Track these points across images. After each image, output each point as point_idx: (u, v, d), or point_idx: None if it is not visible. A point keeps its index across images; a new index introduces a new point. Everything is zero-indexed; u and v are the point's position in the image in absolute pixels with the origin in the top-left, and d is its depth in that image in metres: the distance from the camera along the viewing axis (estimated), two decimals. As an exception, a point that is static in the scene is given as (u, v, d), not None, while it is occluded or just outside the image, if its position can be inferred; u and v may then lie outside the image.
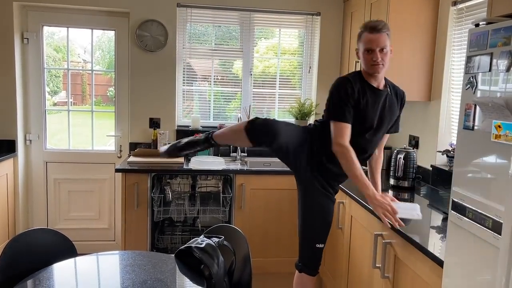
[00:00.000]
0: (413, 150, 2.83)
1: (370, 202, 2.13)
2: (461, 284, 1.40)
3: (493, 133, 1.25)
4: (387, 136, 2.46)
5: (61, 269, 1.86)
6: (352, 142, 2.17)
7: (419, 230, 1.99)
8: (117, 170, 3.19)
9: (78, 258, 1.99)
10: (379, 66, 2.13)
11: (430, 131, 2.97)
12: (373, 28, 2.13)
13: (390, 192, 2.74)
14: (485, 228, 1.25)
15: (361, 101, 2.16)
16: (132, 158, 3.41)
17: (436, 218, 2.21)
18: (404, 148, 2.85)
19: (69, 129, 3.84)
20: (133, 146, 3.73)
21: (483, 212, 1.27)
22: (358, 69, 2.26)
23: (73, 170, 3.81)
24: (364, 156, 2.33)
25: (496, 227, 1.20)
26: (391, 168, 2.87)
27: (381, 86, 2.24)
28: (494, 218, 1.21)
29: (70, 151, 3.83)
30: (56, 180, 3.80)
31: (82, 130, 3.93)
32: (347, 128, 2.16)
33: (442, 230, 2.00)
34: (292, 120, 3.90)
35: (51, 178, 3.80)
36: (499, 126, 1.22)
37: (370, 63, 2.14)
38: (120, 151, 3.84)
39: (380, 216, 2.08)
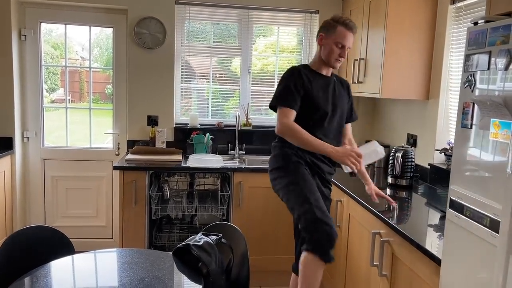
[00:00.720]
0: (411, 149, 2.83)
1: (334, 156, 2.17)
2: (458, 282, 1.40)
3: (491, 132, 1.25)
4: (349, 126, 2.53)
5: (59, 267, 1.86)
6: (313, 135, 2.20)
7: (417, 228, 1.99)
8: (115, 168, 3.18)
9: (75, 256, 1.99)
10: (340, 62, 2.29)
11: (428, 129, 2.97)
12: (351, 26, 2.24)
13: (388, 191, 2.74)
14: (482, 227, 1.25)
15: (311, 87, 2.24)
16: (130, 156, 3.41)
17: (434, 217, 2.22)
18: (402, 147, 2.85)
19: (66, 127, 3.83)
20: (131, 144, 3.73)
21: (480, 211, 1.27)
22: (323, 60, 2.33)
23: (71, 167, 3.80)
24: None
25: (494, 226, 1.20)
26: (389, 167, 2.87)
27: (329, 74, 2.39)
28: (492, 216, 1.22)
29: (68, 149, 3.82)
30: (54, 178, 3.79)
31: (80, 127, 3.92)
32: (291, 113, 2.21)
33: (440, 228, 2.00)
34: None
35: (48, 176, 3.79)
36: (497, 125, 1.22)
37: (335, 57, 2.26)
38: (118, 148, 3.83)
39: (348, 165, 2.15)
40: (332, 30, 2.24)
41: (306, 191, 2.16)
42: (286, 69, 2.34)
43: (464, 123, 1.40)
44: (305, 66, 2.35)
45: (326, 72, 2.35)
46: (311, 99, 2.24)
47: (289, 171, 2.24)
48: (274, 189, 2.36)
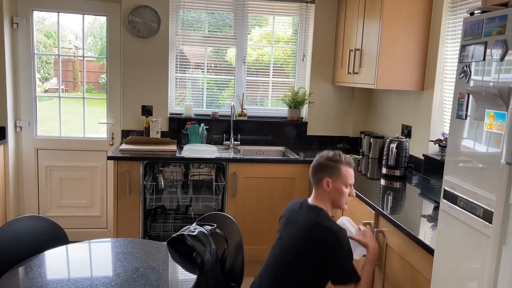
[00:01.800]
0: (405, 140, 2.84)
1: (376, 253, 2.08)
2: (451, 271, 1.41)
3: (486, 123, 1.25)
4: None
5: (53, 257, 1.85)
6: None
7: (411, 219, 2.00)
8: (109, 158, 3.17)
9: (69, 246, 1.99)
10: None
11: (423, 120, 2.98)
12: (352, 162, 2.10)
13: (382, 181, 2.75)
14: (476, 217, 1.26)
15: None
16: (124, 146, 3.39)
17: (428, 207, 2.23)
18: (397, 138, 2.86)
19: (60, 116, 3.80)
20: (125, 134, 3.71)
21: (474, 201, 1.27)
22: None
23: (65, 157, 3.78)
24: None
25: (487, 216, 1.21)
26: (384, 157, 2.88)
27: None
28: (485, 207, 1.22)
29: (61, 138, 3.79)
30: (47, 168, 3.77)
31: (73, 117, 3.89)
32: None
33: (433, 218, 2.01)
34: (285, 108, 3.90)
35: (42, 166, 3.77)
36: (492, 116, 1.22)
37: (346, 199, 2.06)
38: (112, 138, 3.81)
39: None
40: (338, 173, 2.03)
41: None
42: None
43: (459, 114, 1.40)
44: (329, 215, 2.05)
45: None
46: None
47: None
48: None
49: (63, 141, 3.78)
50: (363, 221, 2.26)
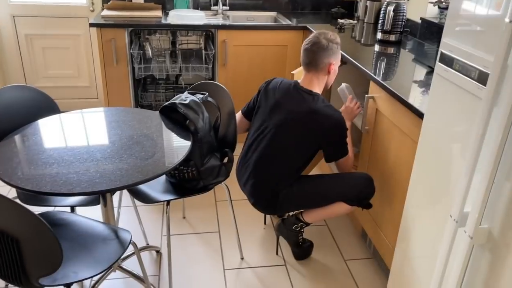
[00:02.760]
0: (403, 1, 2.69)
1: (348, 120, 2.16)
2: (439, 133, 1.45)
3: (495, -22, 1.16)
4: None
5: (46, 125, 1.86)
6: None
7: (403, 84, 1.99)
8: (91, 25, 3.00)
9: (62, 115, 1.99)
10: None
11: (424, -20, 2.79)
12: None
13: (376, 47, 2.69)
14: (470, 79, 1.25)
15: None
16: (106, 12, 3.19)
17: (420, 73, 2.21)
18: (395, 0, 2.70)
19: (32, -21, 3.49)
20: (106, -1, 3.46)
21: (470, 63, 1.25)
22: None
23: (44, 25, 3.57)
24: None
25: (482, 78, 1.20)
26: (379, 21, 2.76)
27: None
28: (481, 69, 1.20)
29: (38, 4, 3.53)
30: (28, 36, 3.59)
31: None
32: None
33: (424, 84, 2.01)
34: None
35: (21, 34, 3.58)
36: (503, -31, 1.13)
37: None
38: (92, 3, 3.56)
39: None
40: (338, 55, 2.07)
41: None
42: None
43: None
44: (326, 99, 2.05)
45: None
46: None
47: None
48: None
49: (40, 7, 3.53)
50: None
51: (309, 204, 2.12)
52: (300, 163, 2.02)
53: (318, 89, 2.03)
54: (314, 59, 1.99)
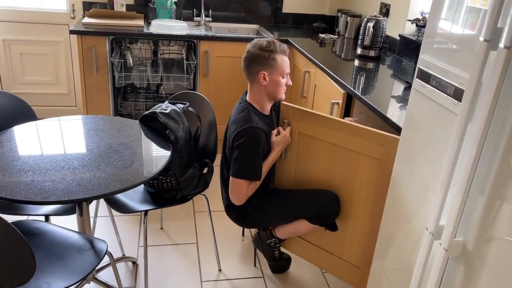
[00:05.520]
0: (383, 19, 2.76)
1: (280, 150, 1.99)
2: (416, 147, 1.48)
3: (470, -2, 1.20)
4: None
5: (22, 132, 1.82)
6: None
7: (381, 99, 2.03)
8: (71, 32, 2.97)
9: (39, 122, 1.95)
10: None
11: (403, -2, 2.86)
12: (286, 51, 1.89)
13: (356, 62, 2.74)
14: (446, 95, 1.28)
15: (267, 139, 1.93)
16: (87, 19, 3.16)
17: (398, 88, 2.26)
18: (375, 16, 2.77)
19: (12, -16, 3.44)
20: (87, 6, 3.43)
21: (446, 80, 1.29)
22: None
23: (23, 30, 3.52)
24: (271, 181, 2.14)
25: (457, 94, 1.23)
26: (360, 37, 2.82)
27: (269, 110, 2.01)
28: (456, 85, 1.24)
29: (17, 9, 3.48)
30: (5, 41, 3.53)
31: (27, -15, 3.53)
32: (256, 185, 1.93)
33: (402, 99, 2.05)
34: None
35: (-1, 39, 3.52)
36: (478, -10, 1.17)
37: (284, 89, 1.93)
38: (73, 11, 3.53)
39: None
40: (274, 64, 1.86)
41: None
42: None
43: (443, -11, 1.33)
44: (253, 112, 1.91)
45: (269, 107, 2.00)
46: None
47: None
48: None
49: (19, 13, 3.48)
50: (332, 101, 2.29)
51: (275, 218, 2.07)
52: None
53: (254, 99, 1.95)
54: (246, 70, 1.93)
